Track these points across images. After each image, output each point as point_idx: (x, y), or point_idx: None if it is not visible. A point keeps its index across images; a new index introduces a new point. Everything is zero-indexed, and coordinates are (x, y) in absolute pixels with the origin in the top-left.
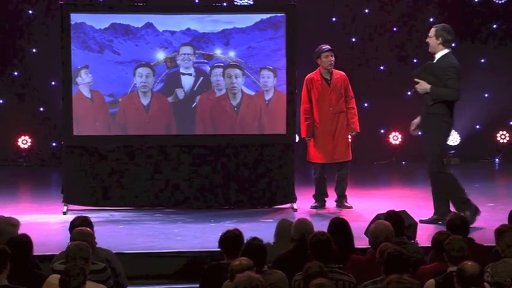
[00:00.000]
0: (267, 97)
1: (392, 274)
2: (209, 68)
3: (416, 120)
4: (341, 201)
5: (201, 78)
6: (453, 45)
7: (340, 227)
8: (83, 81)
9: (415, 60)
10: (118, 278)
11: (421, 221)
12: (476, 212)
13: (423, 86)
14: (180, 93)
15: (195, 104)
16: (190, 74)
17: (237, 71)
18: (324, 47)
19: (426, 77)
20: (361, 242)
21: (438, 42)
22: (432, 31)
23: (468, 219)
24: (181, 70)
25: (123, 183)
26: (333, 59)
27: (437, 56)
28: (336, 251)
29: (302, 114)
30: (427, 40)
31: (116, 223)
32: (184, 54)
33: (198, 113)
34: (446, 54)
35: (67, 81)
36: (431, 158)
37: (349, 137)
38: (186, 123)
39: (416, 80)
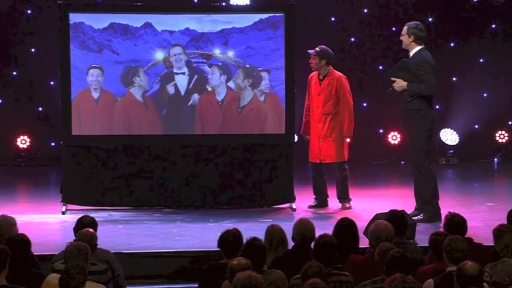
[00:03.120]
0: (261, 98)
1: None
2: (209, 68)
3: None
4: (340, 202)
5: (196, 76)
6: (452, 45)
7: (347, 227)
8: (91, 80)
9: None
10: (117, 279)
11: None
12: (432, 218)
13: (400, 83)
14: (177, 94)
15: (191, 102)
16: (183, 73)
17: (247, 72)
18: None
19: (402, 74)
20: (360, 241)
21: (411, 40)
22: (405, 29)
23: (417, 220)
24: (175, 70)
25: (121, 183)
26: (313, 61)
27: (411, 53)
28: (338, 256)
29: (304, 111)
30: (401, 38)
31: (114, 223)
32: (175, 55)
33: (197, 112)
34: (419, 50)
35: (66, 81)
36: (415, 153)
37: (343, 139)
38: (181, 123)
39: (392, 78)
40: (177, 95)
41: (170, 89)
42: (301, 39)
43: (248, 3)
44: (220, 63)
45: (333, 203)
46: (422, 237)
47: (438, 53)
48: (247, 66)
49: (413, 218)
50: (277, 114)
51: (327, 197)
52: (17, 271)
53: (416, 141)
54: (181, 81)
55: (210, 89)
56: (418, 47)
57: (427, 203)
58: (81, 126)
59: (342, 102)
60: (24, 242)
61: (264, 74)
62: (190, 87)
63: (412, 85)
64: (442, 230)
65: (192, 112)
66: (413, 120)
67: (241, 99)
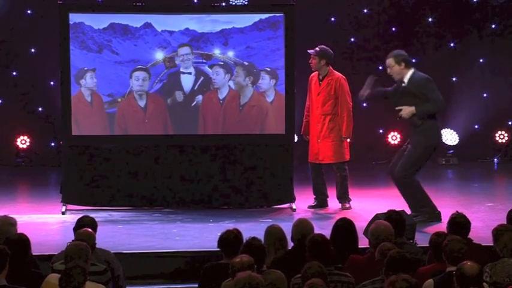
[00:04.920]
0: (269, 99)
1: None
2: (209, 68)
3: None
4: (340, 202)
5: (201, 78)
6: (452, 45)
7: (345, 227)
8: (86, 85)
9: (414, 60)
10: (117, 280)
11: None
12: (432, 218)
13: (407, 110)
14: (181, 93)
15: (195, 103)
16: (190, 73)
17: (246, 69)
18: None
19: (405, 100)
20: (360, 241)
21: (402, 67)
22: (391, 61)
23: (417, 220)
24: (181, 69)
25: (121, 183)
26: (313, 61)
27: (406, 78)
28: (334, 253)
29: (305, 111)
30: (389, 72)
31: (114, 223)
32: (183, 55)
33: (200, 112)
34: (413, 73)
35: (66, 81)
36: (407, 164)
37: (342, 140)
38: (185, 123)
39: (397, 108)
40: (182, 94)
41: (174, 88)
42: (301, 40)
43: (246, 3)
44: (221, 63)
45: (333, 203)
46: (422, 237)
47: (438, 53)
48: (246, 63)
49: (413, 218)
50: (280, 114)
51: (327, 197)
52: (17, 271)
53: (417, 156)
54: (187, 81)
55: (212, 89)
56: (411, 71)
57: (422, 206)
58: (80, 129)
59: (340, 103)
60: (23, 241)
61: (266, 75)
62: (195, 88)
63: (420, 108)
64: (444, 228)
65: (195, 112)
66: (425, 138)
67: (242, 97)
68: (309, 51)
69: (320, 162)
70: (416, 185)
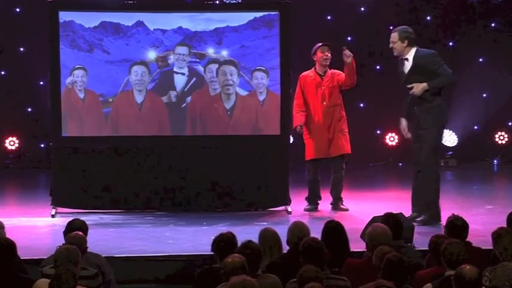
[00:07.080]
0: (261, 98)
1: (391, 280)
2: (202, 68)
3: (405, 123)
4: (337, 203)
5: (194, 79)
6: (451, 44)
7: (334, 230)
8: (76, 81)
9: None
10: (108, 284)
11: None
12: (432, 220)
13: (420, 87)
14: (173, 94)
15: (185, 104)
16: (183, 74)
17: (232, 68)
18: (321, 43)
19: (415, 78)
20: (357, 245)
21: (405, 44)
22: (395, 36)
23: (417, 223)
24: (175, 69)
25: (113, 185)
26: (328, 54)
27: (409, 56)
28: (328, 256)
29: (294, 108)
30: (392, 46)
31: (106, 226)
32: (179, 54)
33: (188, 112)
34: (417, 51)
35: (55, 81)
36: (429, 151)
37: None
38: (178, 124)
39: (408, 86)
40: (174, 95)
41: (167, 89)
42: (297, 39)
43: (240, 1)
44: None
45: (327, 204)
46: (420, 240)
47: (437, 52)
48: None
49: (412, 220)
50: (272, 114)
51: (320, 199)
52: (2, 276)
53: (435, 137)
54: (180, 81)
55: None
56: (414, 49)
57: (430, 204)
58: (70, 127)
59: (341, 74)
60: (8, 246)
61: (263, 74)
62: (186, 89)
63: (433, 82)
64: (442, 232)
65: (185, 113)
66: (437, 116)
67: (228, 100)
68: (327, 45)
69: (331, 155)
70: (436, 178)
